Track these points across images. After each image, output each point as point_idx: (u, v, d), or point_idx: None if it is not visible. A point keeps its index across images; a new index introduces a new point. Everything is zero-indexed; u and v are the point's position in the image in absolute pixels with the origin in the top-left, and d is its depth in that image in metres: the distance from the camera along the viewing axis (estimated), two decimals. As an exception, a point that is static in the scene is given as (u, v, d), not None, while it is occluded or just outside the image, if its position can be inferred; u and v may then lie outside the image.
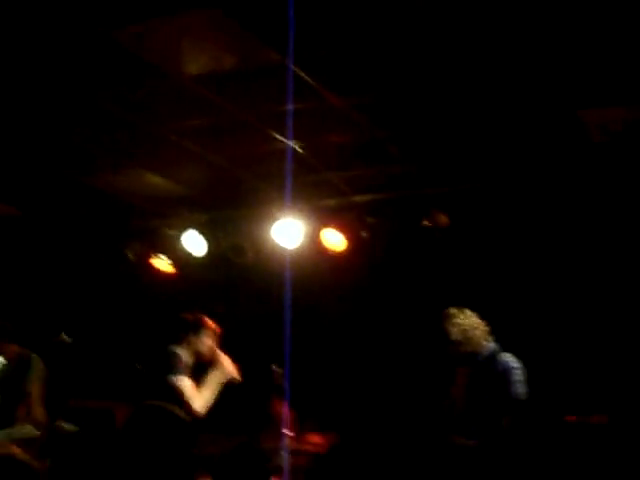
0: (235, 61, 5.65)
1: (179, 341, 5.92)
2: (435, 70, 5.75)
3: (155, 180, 8.07)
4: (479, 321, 6.13)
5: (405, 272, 8.29)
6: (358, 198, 8.12)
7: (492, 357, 6.07)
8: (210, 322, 6.12)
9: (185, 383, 5.67)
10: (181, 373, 5.73)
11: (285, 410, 7.60)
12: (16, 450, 3.74)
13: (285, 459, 6.56)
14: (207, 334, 6.03)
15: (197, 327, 6.04)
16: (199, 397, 5.70)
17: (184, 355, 5.86)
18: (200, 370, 5.91)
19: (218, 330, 6.11)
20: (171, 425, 3.23)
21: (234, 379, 6.00)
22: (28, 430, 6.59)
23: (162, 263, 8.93)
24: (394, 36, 5.31)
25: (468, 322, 6.11)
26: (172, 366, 5.75)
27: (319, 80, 5.80)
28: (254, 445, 5.07)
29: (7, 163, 7.77)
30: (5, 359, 7.06)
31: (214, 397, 5.83)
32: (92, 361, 8.99)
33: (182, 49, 5.55)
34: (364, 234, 8.05)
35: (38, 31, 5.25)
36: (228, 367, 5.94)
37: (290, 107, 6.07)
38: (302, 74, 5.65)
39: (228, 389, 8.30)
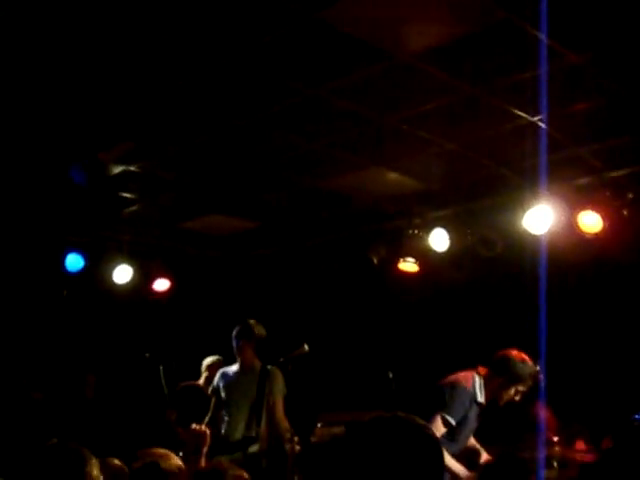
0: (459, 29, 5.16)
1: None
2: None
3: (392, 177, 7.75)
4: None
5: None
6: (614, 173, 7.35)
7: None
8: None
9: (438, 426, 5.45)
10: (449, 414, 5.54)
11: (546, 414, 7.00)
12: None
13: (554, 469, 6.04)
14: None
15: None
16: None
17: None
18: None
19: None
20: (415, 440, 2.67)
21: None
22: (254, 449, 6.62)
23: (408, 265, 8.58)
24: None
25: None
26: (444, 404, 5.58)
27: (554, 37, 5.18)
28: (516, 455, 4.56)
29: (242, 180, 7.81)
30: (241, 367, 7.07)
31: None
32: (336, 372, 8.83)
33: (401, 22, 5.14)
34: (624, 212, 7.26)
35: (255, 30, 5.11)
36: None
37: (531, 74, 5.57)
38: (534, 32, 5.08)
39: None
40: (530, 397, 7.18)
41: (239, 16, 5.03)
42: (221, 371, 7.27)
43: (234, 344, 7.06)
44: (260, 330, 7.08)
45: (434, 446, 2.59)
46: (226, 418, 7.03)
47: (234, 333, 7.05)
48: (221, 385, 7.14)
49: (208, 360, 8.52)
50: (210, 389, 7.31)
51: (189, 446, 5.14)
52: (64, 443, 3.25)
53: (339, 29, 5.13)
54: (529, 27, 5.03)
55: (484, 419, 5.89)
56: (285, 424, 6.73)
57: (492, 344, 8.14)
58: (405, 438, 2.55)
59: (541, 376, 6.90)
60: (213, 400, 7.19)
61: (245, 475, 3.67)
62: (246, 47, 5.39)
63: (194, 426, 5.24)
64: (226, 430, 6.98)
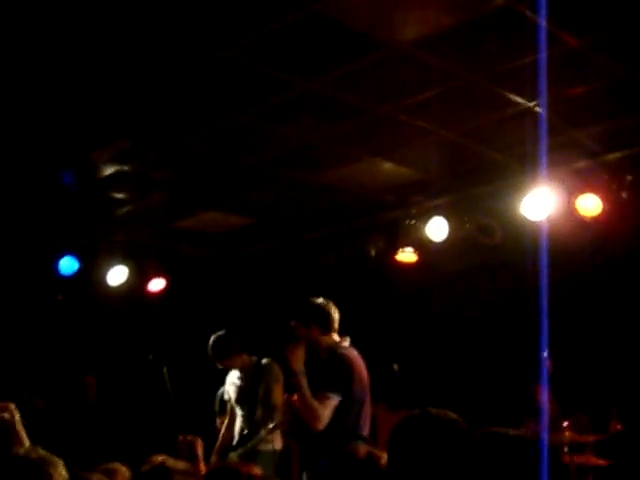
0: (456, 15, 5.08)
1: None
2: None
3: (388, 167, 7.67)
4: None
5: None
6: (612, 156, 7.29)
7: None
8: None
9: None
10: None
11: (548, 398, 6.97)
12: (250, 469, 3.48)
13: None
14: None
15: None
16: None
17: None
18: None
19: None
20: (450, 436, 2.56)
21: None
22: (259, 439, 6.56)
23: (406, 255, 8.48)
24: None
25: None
26: None
27: (552, 21, 5.11)
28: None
29: (237, 176, 7.72)
30: (240, 371, 7.04)
31: None
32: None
33: (397, 10, 5.05)
34: (623, 195, 7.20)
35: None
36: None
37: (528, 58, 5.50)
38: (532, 16, 5.01)
39: (489, 378, 7.73)
40: (531, 380, 7.16)
41: (235, 9, 4.94)
42: (229, 374, 7.21)
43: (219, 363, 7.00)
44: (234, 342, 7.00)
45: (468, 440, 2.57)
46: (239, 418, 7.03)
47: (210, 353, 6.94)
48: (229, 389, 7.15)
49: None
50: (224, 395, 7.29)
51: (182, 454, 5.10)
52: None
53: (334, 19, 5.04)
54: (527, 12, 4.96)
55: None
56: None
57: (494, 332, 8.14)
58: (440, 435, 2.52)
59: (546, 361, 6.86)
60: (229, 405, 7.18)
61: (256, 470, 3.63)
62: (241, 40, 5.30)
63: (181, 438, 5.22)
64: (238, 429, 7.00)
